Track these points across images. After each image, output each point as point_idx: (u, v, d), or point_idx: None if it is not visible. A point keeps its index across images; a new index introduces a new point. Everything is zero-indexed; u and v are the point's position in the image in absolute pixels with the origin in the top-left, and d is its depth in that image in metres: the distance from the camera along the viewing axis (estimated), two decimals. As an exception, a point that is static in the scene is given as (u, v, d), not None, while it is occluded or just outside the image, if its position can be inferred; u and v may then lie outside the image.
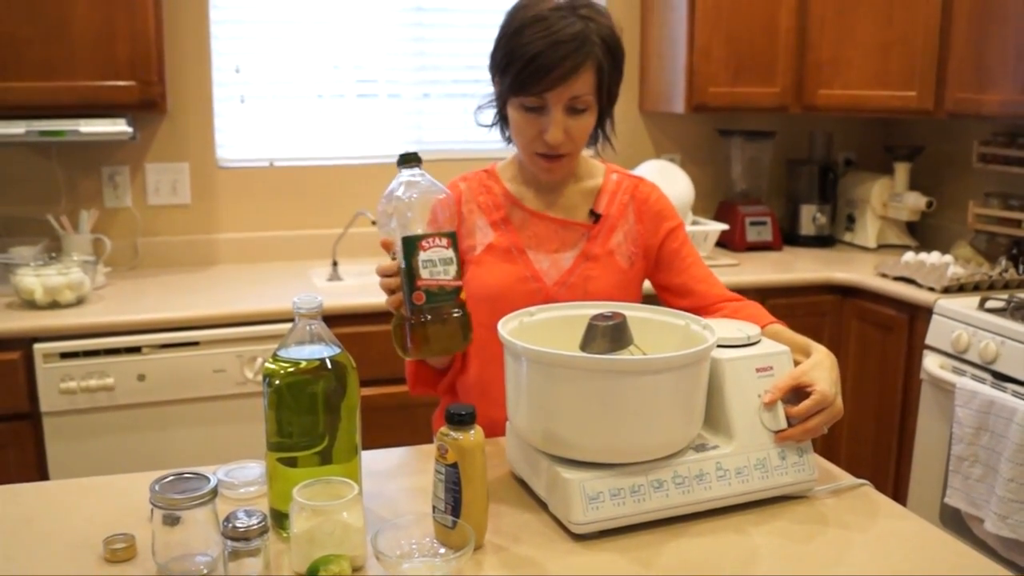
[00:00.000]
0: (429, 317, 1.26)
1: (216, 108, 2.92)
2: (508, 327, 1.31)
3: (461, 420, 1.13)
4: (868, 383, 2.90)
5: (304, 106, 3.05)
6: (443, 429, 1.15)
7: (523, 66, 1.44)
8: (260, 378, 2.40)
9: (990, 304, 2.48)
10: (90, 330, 2.30)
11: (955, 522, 2.41)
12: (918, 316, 2.69)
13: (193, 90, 2.88)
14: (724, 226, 3.17)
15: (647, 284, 1.68)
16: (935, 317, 2.57)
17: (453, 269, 1.27)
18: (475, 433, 1.14)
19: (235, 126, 2.99)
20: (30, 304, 2.38)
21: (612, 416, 1.16)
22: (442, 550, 1.14)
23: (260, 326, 2.41)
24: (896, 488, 2.79)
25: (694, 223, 3.21)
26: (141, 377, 2.32)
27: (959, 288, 2.68)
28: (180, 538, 1.11)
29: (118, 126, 2.51)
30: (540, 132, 1.49)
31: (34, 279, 2.35)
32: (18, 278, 2.37)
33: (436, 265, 1.25)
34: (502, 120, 1.59)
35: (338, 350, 1.20)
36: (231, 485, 1.32)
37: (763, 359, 1.31)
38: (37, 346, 2.26)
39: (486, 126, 1.62)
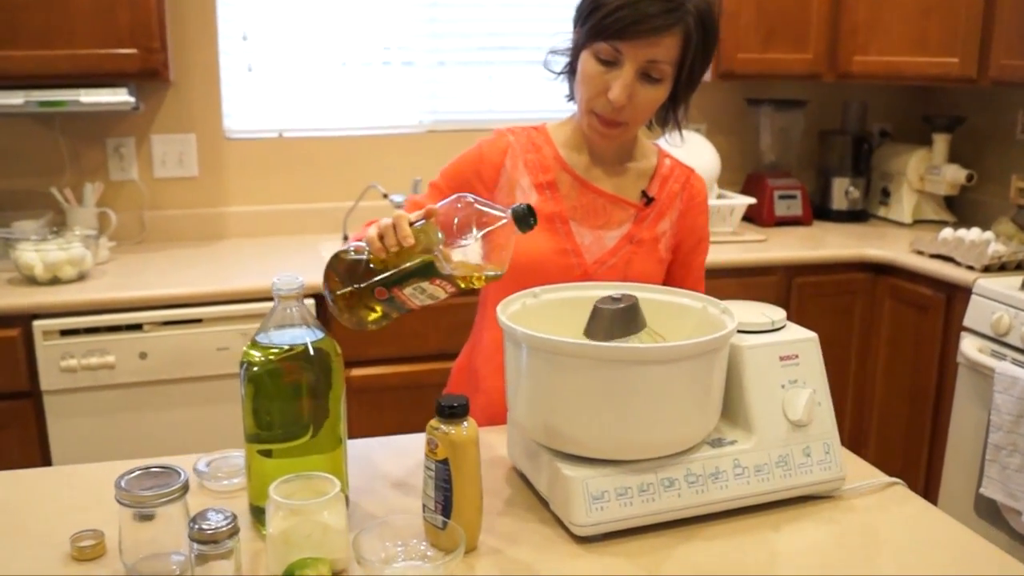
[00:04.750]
0: (363, 305, 1.16)
1: (223, 77, 2.83)
2: (509, 310, 1.21)
3: (453, 413, 1.04)
4: (901, 366, 2.77)
5: (313, 75, 2.95)
6: (433, 422, 1.05)
7: (610, 11, 1.33)
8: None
9: (1033, 284, 2.34)
10: (91, 307, 2.22)
11: (991, 514, 2.29)
12: (956, 296, 2.55)
13: (198, 58, 2.79)
14: (751, 200, 3.04)
15: None
16: (974, 297, 2.44)
17: (427, 302, 1.15)
18: (468, 427, 1.04)
19: (243, 96, 2.89)
20: (30, 280, 2.31)
21: (619, 409, 1.06)
22: (431, 553, 1.05)
23: (265, 303, 2.32)
24: (928, 478, 2.67)
25: (720, 196, 3.08)
26: (143, 355, 2.25)
27: (1000, 267, 2.54)
28: (150, 536, 1.03)
29: (120, 96, 2.42)
30: (605, 89, 1.37)
31: (34, 254, 2.28)
32: (18, 253, 2.30)
33: (423, 293, 1.14)
34: (571, 72, 1.47)
35: (321, 335, 1.10)
36: (213, 476, 1.24)
37: (788, 346, 1.20)
38: (37, 323, 2.19)
39: (554, 73, 1.50)
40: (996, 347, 2.35)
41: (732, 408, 1.19)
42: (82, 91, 2.38)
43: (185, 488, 1.02)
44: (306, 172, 2.94)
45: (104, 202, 2.71)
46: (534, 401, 1.11)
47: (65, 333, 2.20)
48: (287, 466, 1.07)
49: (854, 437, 2.93)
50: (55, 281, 2.30)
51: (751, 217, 3.20)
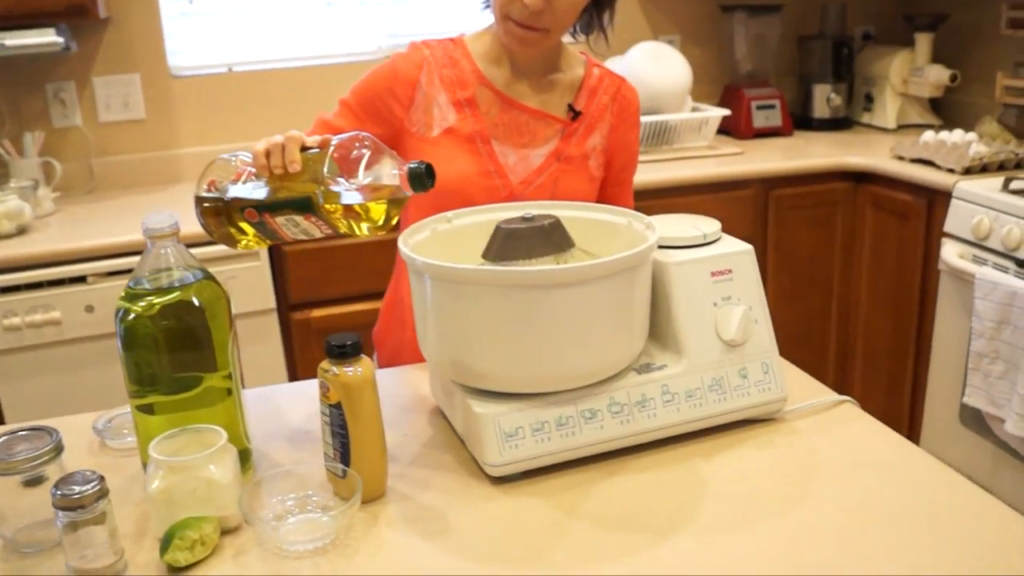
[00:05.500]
0: (232, 223, 1.08)
1: (163, 12, 2.69)
2: (416, 238, 1.12)
3: (343, 353, 0.95)
4: (884, 276, 2.67)
5: (261, 3, 2.81)
6: (324, 364, 0.97)
7: None
8: (219, 302, 2.25)
9: (1015, 185, 2.22)
10: (30, 261, 2.13)
11: (976, 423, 2.22)
12: (936, 201, 2.44)
13: (136, -6, 2.65)
14: (724, 111, 2.90)
15: None
16: (954, 201, 2.33)
17: (300, 237, 1.07)
18: (362, 367, 0.96)
19: (186, 31, 2.76)
20: (-33, 237, 2.22)
21: (530, 339, 0.97)
22: (332, 503, 0.97)
23: (214, 247, 2.23)
24: (915, 389, 2.59)
25: (694, 110, 2.95)
26: (89, 308, 2.17)
27: (982, 168, 2.43)
28: (29, 504, 0.96)
29: (48, 37, 2.30)
30: None
31: (-32, 210, 2.19)
32: (-48, 209, 2.21)
33: (296, 227, 1.05)
34: None
35: (201, 276, 1.01)
36: (117, 434, 1.16)
37: (719, 261, 1.11)
38: (-24, 281, 2.11)
39: None
40: (977, 252, 2.24)
41: (660, 330, 1.11)
42: (6, 34, 2.26)
43: (58, 450, 0.95)
44: (260, 108, 2.82)
45: (49, 151, 2.61)
46: (441, 335, 1.03)
47: (6, 291, 2.12)
48: (173, 422, 0.99)
49: (838, 349, 2.85)
50: (-6, 236, 2.22)
51: (728, 130, 3.08)
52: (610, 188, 1.46)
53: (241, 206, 1.07)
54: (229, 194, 1.08)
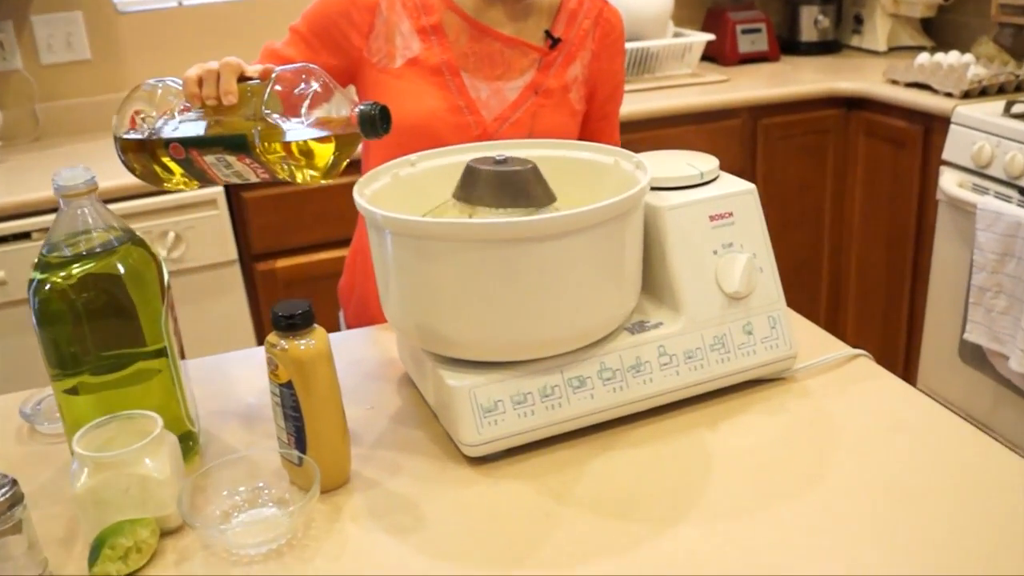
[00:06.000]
0: (156, 159, 0.96)
1: (104, -57, 2.50)
2: (373, 187, 0.98)
3: (291, 325, 0.82)
4: (879, 207, 2.56)
5: (211, -67, 2.61)
6: (271, 337, 0.84)
7: None
8: (176, 255, 2.11)
9: (1017, 109, 2.10)
10: (-31, 216, 1.98)
11: (976, 360, 2.13)
12: (934, 127, 2.31)
13: (72, -78, 2.45)
14: (708, 36, 2.75)
15: None
16: (953, 127, 2.20)
17: (232, 180, 0.95)
18: (315, 339, 0.83)
19: (133, -37, 2.57)
20: (-98, 192, 2.05)
21: (507, 300, 0.85)
22: (289, 494, 0.86)
23: (169, 196, 2.09)
24: (911, 326, 2.49)
25: (676, 35, 2.79)
26: (36, 266, 2.02)
27: (981, 92, 2.29)
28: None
29: (-25, -29, 2.10)
30: None
31: (-100, 162, 2.02)
32: None
33: (227, 168, 0.92)
34: None
35: (126, 238, 0.88)
36: (48, 417, 1.04)
37: (719, 203, 0.98)
38: (-89, 241, 1.95)
39: None
40: (978, 180, 2.13)
41: (654, 284, 0.98)
42: (-72, -30, 2.07)
43: (-34, 445, 0.82)
44: (212, 43, 2.64)
45: (-13, 98, 2.43)
46: (406, 298, 0.90)
47: (-56, 249, 1.97)
48: (103, 405, 0.86)
49: (831, 285, 2.74)
50: (-71, 191, 2.05)
51: (713, 56, 2.93)
52: (593, 122, 1.33)
53: (166, 140, 0.93)
54: (154, 127, 0.94)
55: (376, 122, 0.87)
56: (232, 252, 2.16)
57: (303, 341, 0.83)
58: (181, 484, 0.82)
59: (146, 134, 0.95)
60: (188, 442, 0.93)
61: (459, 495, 0.85)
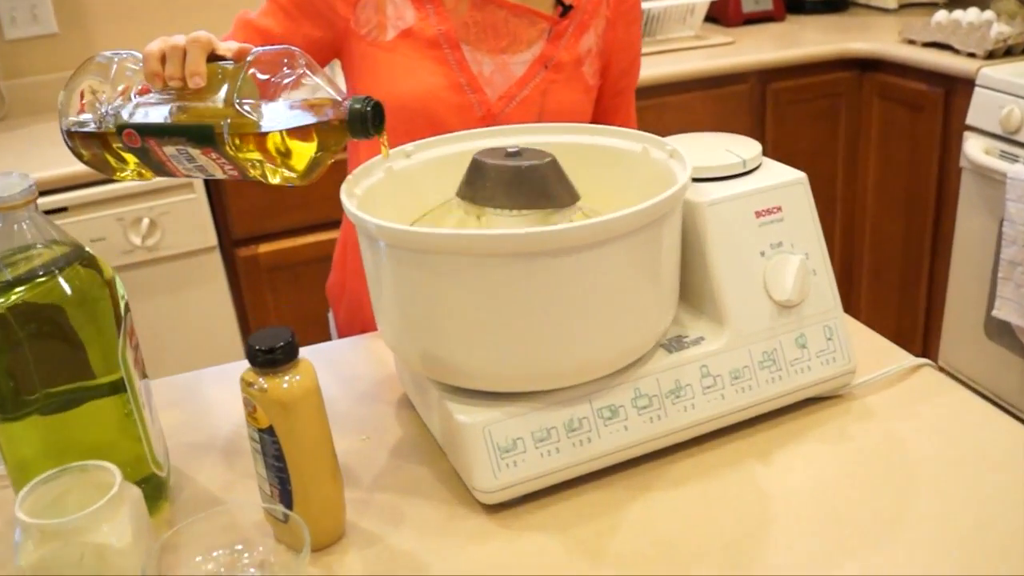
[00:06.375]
0: (107, 147, 0.83)
1: (63, -96, 2.32)
2: (364, 184, 0.84)
3: (270, 360, 0.69)
4: (894, 175, 2.42)
5: None
6: (246, 375, 0.70)
7: None
8: (151, 243, 1.97)
9: (1050, 67, 1.96)
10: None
11: (1004, 338, 2.01)
12: (956, 90, 2.17)
13: None
14: (712, -3, 2.60)
15: None
16: (978, 90, 2.06)
17: (195, 175, 0.83)
18: (300, 375, 0.70)
19: (96, -73, 2.39)
20: None
21: (528, 323, 0.72)
22: (274, 557, 0.73)
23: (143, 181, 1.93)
24: (930, 299, 2.37)
25: (677, -3, 2.64)
26: None
27: (1007, 51, 2.15)
28: None
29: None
30: None
31: None
32: None
33: (190, 162, 0.80)
34: None
35: (74, 257, 0.74)
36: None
37: (766, 196, 0.84)
38: None
39: None
40: (1006, 147, 1.99)
41: (693, 291, 0.85)
42: None
43: None
44: (187, 14, 2.48)
45: (-56, 75, 2.27)
46: (405, 320, 0.77)
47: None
48: (51, 448, 0.73)
49: (844, 259, 2.62)
50: None
51: (715, 17, 2.78)
52: (607, 99, 1.19)
53: (119, 126, 0.80)
54: (106, 110, 0.81)
55: (367, 121, 0.75)
56: (211, 238, 2.01)
57: (286, 378, 0.69)
58: (146, 550, 0.69)
59: (97, 117, 0.82)
60: (154, 489, 0.80)
61: (473, 552, 0.72)
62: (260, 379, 0.69)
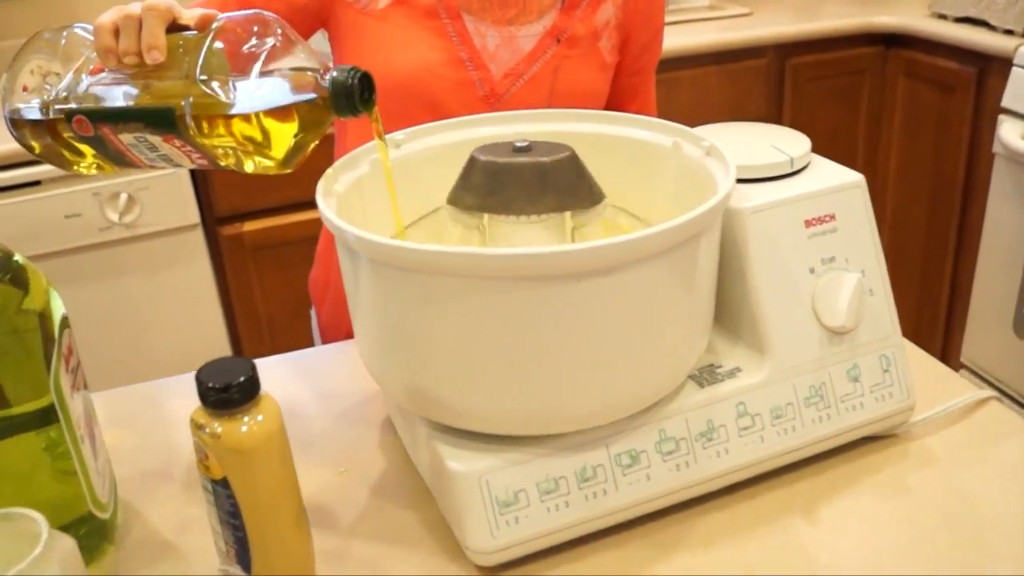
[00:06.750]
0: (59, 137, 0.72)
1: None
2: (345, 179, 0.72)
3: (224, 400, 0.57)
4: (920, 159, 2.30)
5: None
6: (196, 415, 0.58)
7: None
8: (130, 220, 1.84)
9: (1095, 47, 1.83)
10: None
11: (1036, 336, 1.89)
12: (990, 69, 2.04)
13: None
14: (732, -34, 2.45)
15: None
16: (1016, 70, 1.93)
17: (160, 164, 0.73)
18: (262, 416, 0.58)
19: None
20: None
21: (538, 357, 0.59)
22: (229, 628, 0.61)
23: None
24: (953, 293, 2.25)
25: (693, -35, 2.49)
26: (-36, 235, 1.75)
27: (1047, 27, 2.02)
28: None
29: None
30: None
31: None
32: None
33: (152, 151, 0.70)
34: None
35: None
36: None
37: (818, 202, 0.72)
38: None
39: None
40: (1046, 132, 1.87)
41: (730, 313, 0.73)
42: None
43: None
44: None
45: (-89, 34, 2.13)
46: (390, 349, 0.64)
47: None
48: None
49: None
50: None
51: (731, -13, 2.64)
52: (624, 78, 1.06)
53: (68, 113, 0.69)
54: (54, 93, 0.70)
55: (354, 95, 0.64)
56: (193, 215, 1.89)
57: (245, 419, 0.57)
58: (76, 619, 0.58)
59: (44, 103, 0.71)
60: (94, 532, 0.68)
61: (468, 629, 0.61)
62: (213, 422, 0.57)
